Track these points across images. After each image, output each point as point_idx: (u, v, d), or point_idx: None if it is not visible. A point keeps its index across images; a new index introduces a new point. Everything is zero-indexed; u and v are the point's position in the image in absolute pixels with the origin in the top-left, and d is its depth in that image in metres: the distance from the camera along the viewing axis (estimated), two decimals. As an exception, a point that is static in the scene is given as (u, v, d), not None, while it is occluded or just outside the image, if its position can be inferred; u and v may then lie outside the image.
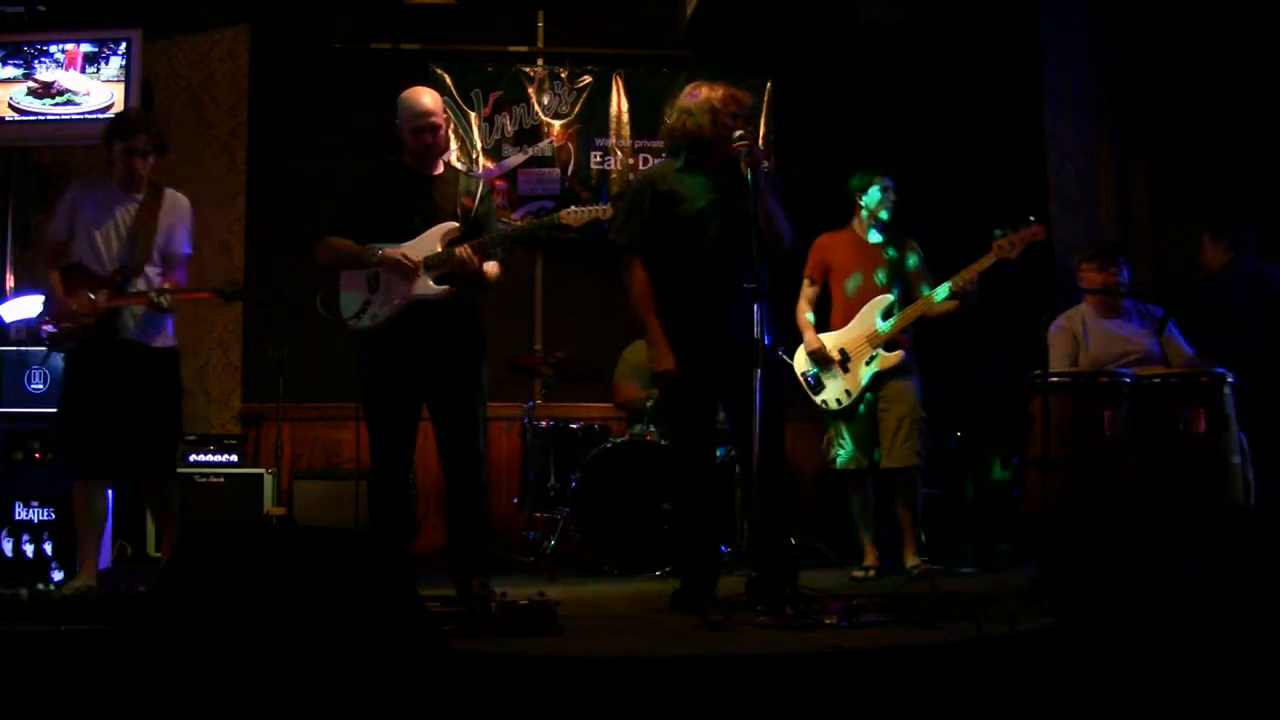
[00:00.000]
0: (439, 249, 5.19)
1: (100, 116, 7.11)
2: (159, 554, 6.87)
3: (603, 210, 5.36)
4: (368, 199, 5.29)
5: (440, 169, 5.40)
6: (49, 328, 5.29)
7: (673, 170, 5.14)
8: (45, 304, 5.52)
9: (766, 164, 5.19)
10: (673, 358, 4.95)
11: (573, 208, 5.37)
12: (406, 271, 5.13)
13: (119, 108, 7.10)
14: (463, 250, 5.14)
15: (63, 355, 5.38)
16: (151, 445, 5.35)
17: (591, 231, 5.68)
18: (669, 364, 4.96)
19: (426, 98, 5.31)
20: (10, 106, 7.38)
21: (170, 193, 5.48)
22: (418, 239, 5.20)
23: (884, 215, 6.29)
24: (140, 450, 5.29)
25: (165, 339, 5.42)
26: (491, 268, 5.33)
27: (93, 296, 5.21)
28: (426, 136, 5.27)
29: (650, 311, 5.03)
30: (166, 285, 5.33)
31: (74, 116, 7.34)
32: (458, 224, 5.26)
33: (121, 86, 7.31)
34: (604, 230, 5.35)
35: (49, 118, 7.35)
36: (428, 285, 5.16)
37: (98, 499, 5.36)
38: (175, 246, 5.44)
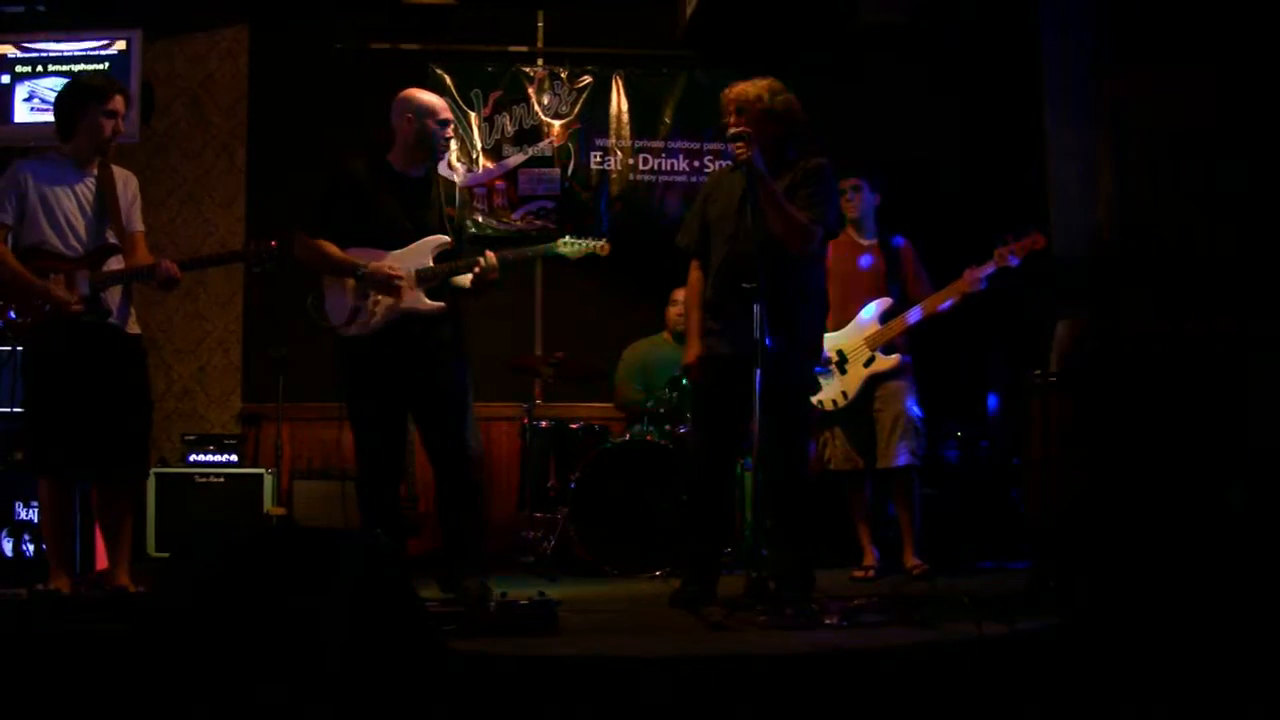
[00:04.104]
0: (430, 263, 5.16)
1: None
2: (160, 554, 6.90)
3: (600, 246, 5.44)
4: (359, 200, 5.20)
5: (423, 172, 5.36)
6: (9, 315, 4.96)
7: (727, 170, 5.19)
8: None
9: (820, 160, 5.12)
10: (693, 352, 5.09)
11: (568, 239, 5.45)
12: (397, 286, 5.09)
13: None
14: (491, 259, 5.15)
15: (23, 345, 5.09)
16: (127, 439, 5.09)
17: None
18: (688, 357, 5.12)
19: (436, 96, 5.37)
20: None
21: (119, 168, 5.25)
22: (407, 249, 5.16)
23: (859, 217, 6.31)
24: (115, 446, 5.03)
25: (135, 325, 5.24)
26: (465, 280, 5.28)
27: (80, 277, 4.97)
28: (449, 130, 5.31)
29: (693, 308, 5.18)
30: (165, 261, 5.13)
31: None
32: (449, 238, 5.24)
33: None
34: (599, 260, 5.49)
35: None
36: (420, 299, 5.12)
37: (70, 499, 5.14)
38: (134, 225, 5.23)
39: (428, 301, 5.13)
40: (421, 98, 5.29)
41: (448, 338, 5.23)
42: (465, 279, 5.24)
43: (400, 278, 5.07)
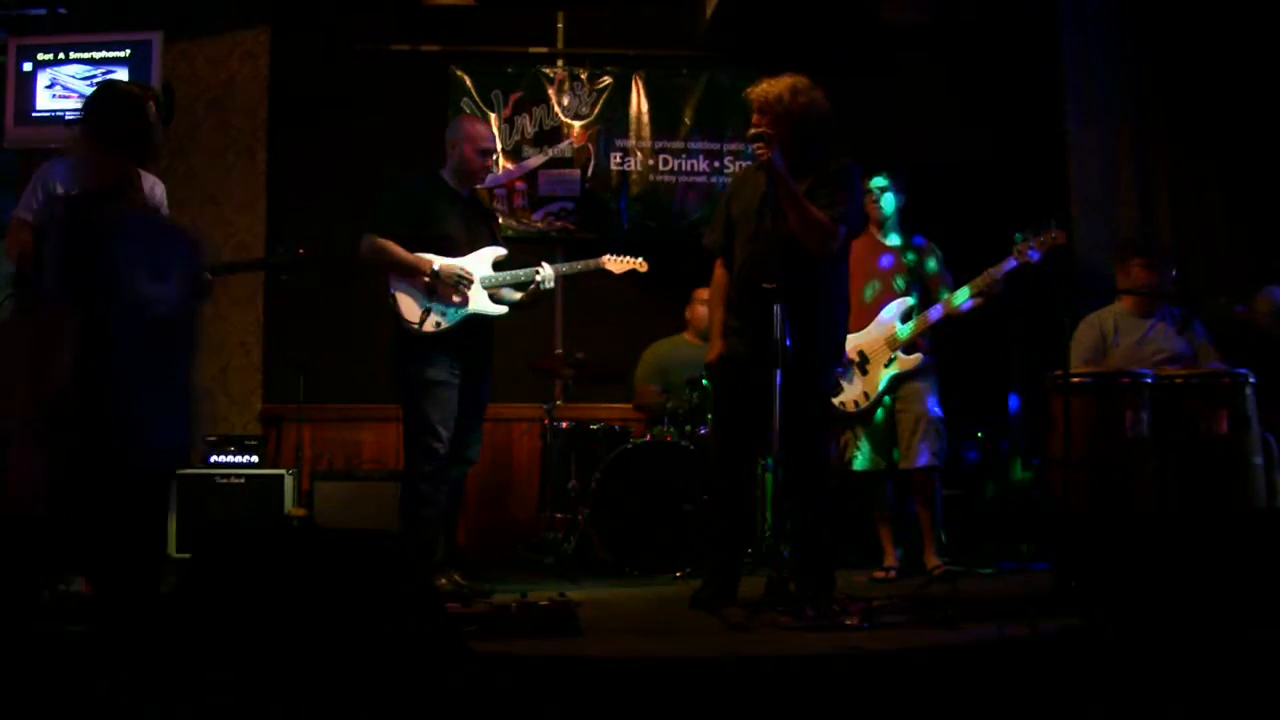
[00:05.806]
0: (490, 271, 5.59)
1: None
2: (181, 554, 6.90)
3: (639, 264, 6.06)
4: (420, 209, 5.54)
5: (470, 191, 5.78)
6: None
7: (752, 169, 5.14)
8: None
9: (845, 160, 5.05)
10: (715, 351, 5.10)
11: (611, 256, 6.04)
12: (467, 287, 5.47)
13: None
14: (548, 270, 5.65)
15: None
16: None
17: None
18: (710, 356, 5.13)
19: (486, 128, 5.89)
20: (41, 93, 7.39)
21: (145, 173, 5.10)
22: (470, 257, 5.56)
23: (886, 215, 6.27)
24: None
25: None
26: (515, 294, 5.74)
27: None
28: (490, 160, 5.77)
29: (716, 306, 5.18)
30: None
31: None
32: (505, 251, 5.71)
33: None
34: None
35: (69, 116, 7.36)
36: (487, 302, 5.55)
37: None
38: None
39: (493, 305, 5.58)
40: (467, 125, 5.75)
41: (491, 349, 5.69)
42: (515, 294, 5.68)
43: (471, 277, 5.49)
